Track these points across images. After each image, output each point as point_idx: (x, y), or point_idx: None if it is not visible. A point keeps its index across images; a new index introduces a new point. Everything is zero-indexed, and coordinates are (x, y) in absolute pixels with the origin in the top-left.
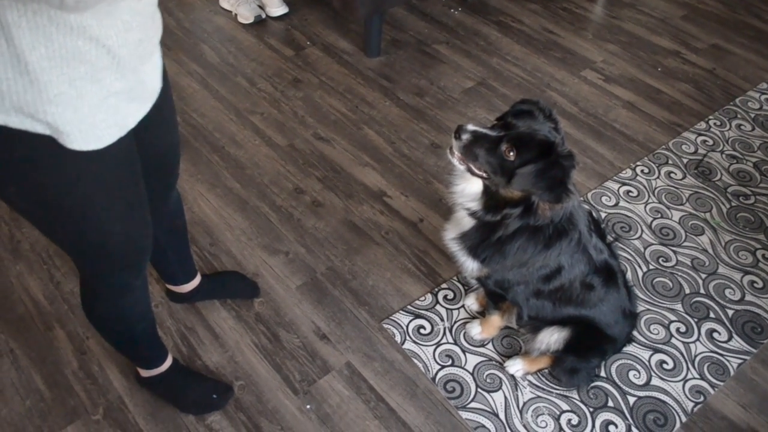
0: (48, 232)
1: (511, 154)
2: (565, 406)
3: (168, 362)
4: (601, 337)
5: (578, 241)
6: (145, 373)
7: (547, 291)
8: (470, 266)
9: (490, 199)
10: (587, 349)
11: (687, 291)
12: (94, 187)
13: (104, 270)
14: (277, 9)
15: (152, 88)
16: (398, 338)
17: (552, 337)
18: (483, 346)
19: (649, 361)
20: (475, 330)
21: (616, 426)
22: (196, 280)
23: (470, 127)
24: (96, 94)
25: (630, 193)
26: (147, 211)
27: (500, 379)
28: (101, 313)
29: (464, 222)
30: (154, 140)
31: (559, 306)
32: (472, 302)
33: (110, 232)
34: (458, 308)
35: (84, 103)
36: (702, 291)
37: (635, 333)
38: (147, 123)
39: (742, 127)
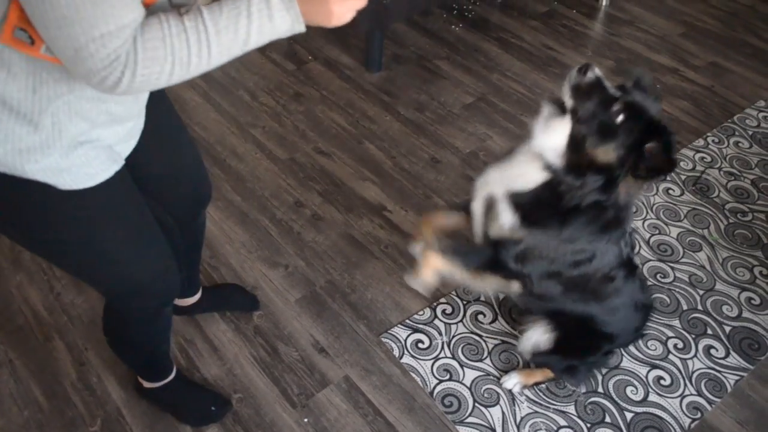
0: (65, 268)
1: (621, 117)
2: (562, 422)
3: (173, 373)
4: (597, 335)
5: (620, 235)
6: (148, 384)
7: (567, 276)
8: (505, 221)
9: (576, 156)
10: (579, 349)
11: (684, 307)
12: (92, 219)
13: (134, 298)
14: None
15: (139, 127)
16: (396, 352)
17: (542, 337)
18: (481, 361)
19: (646, 377)
20: (412, 277)
21: None
22: (199, 294)
23: (598, 71)
24: (88, 148)
25: None
26: (158, 233)
27: (498, 394)
28: (129, 339)
29: (527, 177)
30: (158, 162)
31: (569, 293)
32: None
33: (124, 260)
34: (456, 323)
35: (75, 153)
36: (699, 307)
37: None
38: (145, 147)
39: (740, 145)
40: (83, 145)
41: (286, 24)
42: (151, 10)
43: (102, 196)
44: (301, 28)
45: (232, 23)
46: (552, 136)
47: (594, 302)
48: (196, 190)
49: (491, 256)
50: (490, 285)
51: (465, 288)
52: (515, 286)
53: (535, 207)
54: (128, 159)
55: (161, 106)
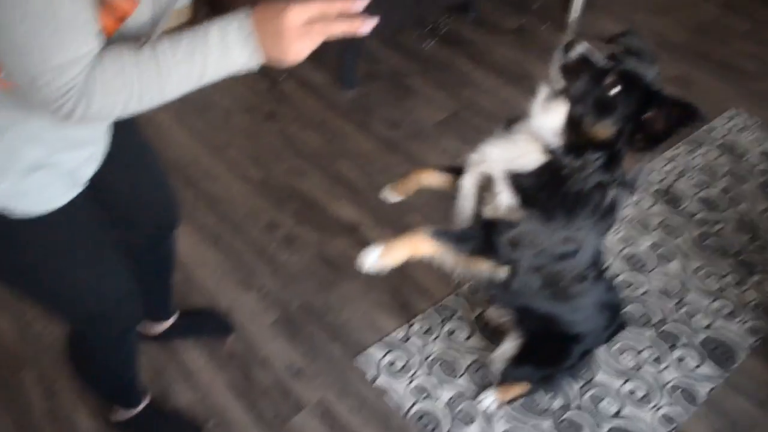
0: (25, 294)
1: (614, 90)
2: None
3: (145, 402)
4: (563, 338)
5: (608, 227)
6: (120, 414)
7: (547, 272)
8: (503, 201)
9: (574, 135)
10: (550, 355)
11: (657, 318)
12: (50, 244)
13: (96, 324)
14: None
15: (101, 151)
16: (372, 373)
17: (512, 345)
18: (456, 377)
19: (620, 390)
20: (373, 254)
21: None
22: (172, 320)
23: (585, 44)
24: (45, 173)
25: None
26: (119, 257)
27: (475, 411)
28: (94, 367)
29: (528, 158)
30: (122, 184)
31: (543, 290)
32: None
33: (83, 285)
34: (432, 341)
35: (32, 178)
36: (672, 318)
37: (601, 360)
38: (109, 169)
39: (708, 155)
40: (41, 169)
41: (243, 59)
42: (109, 41)
43: (60, 220)
44: (258, 63)
45: (189, 56)
46: (550, 118)
47: (560, 302)
48: (163, 214)
49: (484, 239)
50: (478, 269)
51: (453, 273)
52: (503, 272)
53: (537, 189)
54: (91, 180)
55: (126, 127)
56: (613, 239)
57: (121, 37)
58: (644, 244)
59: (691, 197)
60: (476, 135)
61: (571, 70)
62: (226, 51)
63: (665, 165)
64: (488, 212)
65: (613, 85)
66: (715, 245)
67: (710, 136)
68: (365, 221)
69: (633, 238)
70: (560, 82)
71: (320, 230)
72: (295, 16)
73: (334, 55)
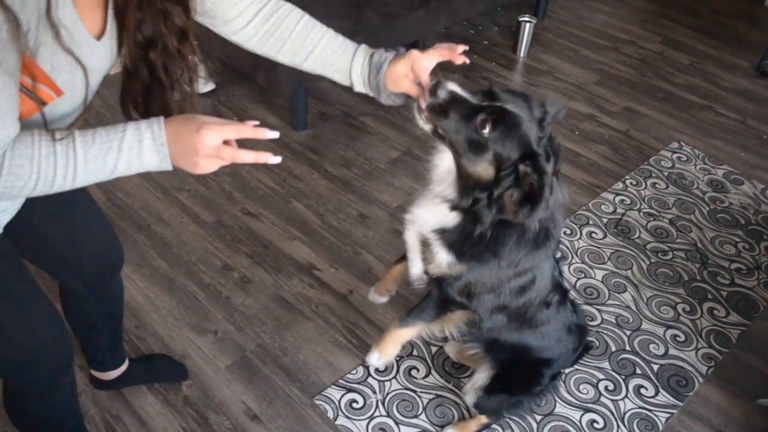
0: None
1: (487, 128)
2: None
3: None
4: (534, 363)
5: (553, 251)
6: None
7: (513, 306)
8: (441, 260)
9: (462, 179)
10: (522, 382)
11: (613, 348)
12: None
13: (24, 371)
14: (204, 86)
15: (16, 205)
16: (331, 414)
17: (483, 375)
18: (416, 417)
19: (580, 421)
20: (374, 357)
21: None
22: (124, 366)
23: (450, 85)
24: None
25: None
26: (43, 301)
27: None
28: (30, 415)
29: (446, 219)
30: (52, 229)
31: (511, 323)
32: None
33: (4, 331)
34: (390, 379)
35: None
36: (627, 347)
37: (562, 389)
38: (34, 214)
39: (656, 186)
40: None
41: (153, 163)
42: (25, 123)
43: None
44: (168, 168)
45: (102, 154)
46: (442, 168)
47: (528, 330)
48: (103, 256)
49: (439, 296)
50: (456, 324)
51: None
52: (475, 317)
53: (464, 242)
54: (16, 226)
55: None
56: (568, 272)
57: (35, 121)
58: (598, 275)
59: (642, 228)
60: (429, 173)
61: (439, 111)
62: (138, 156)
63: (615, 197)
64: (434, 270)
65: (485, 124)
66: (667, 274)
67: (658, 167)
68: (320, 261)
69: (586, 270)
70: (426, 126)
71: (275, 271)
72: (211, 137)
73: (285, 97)
